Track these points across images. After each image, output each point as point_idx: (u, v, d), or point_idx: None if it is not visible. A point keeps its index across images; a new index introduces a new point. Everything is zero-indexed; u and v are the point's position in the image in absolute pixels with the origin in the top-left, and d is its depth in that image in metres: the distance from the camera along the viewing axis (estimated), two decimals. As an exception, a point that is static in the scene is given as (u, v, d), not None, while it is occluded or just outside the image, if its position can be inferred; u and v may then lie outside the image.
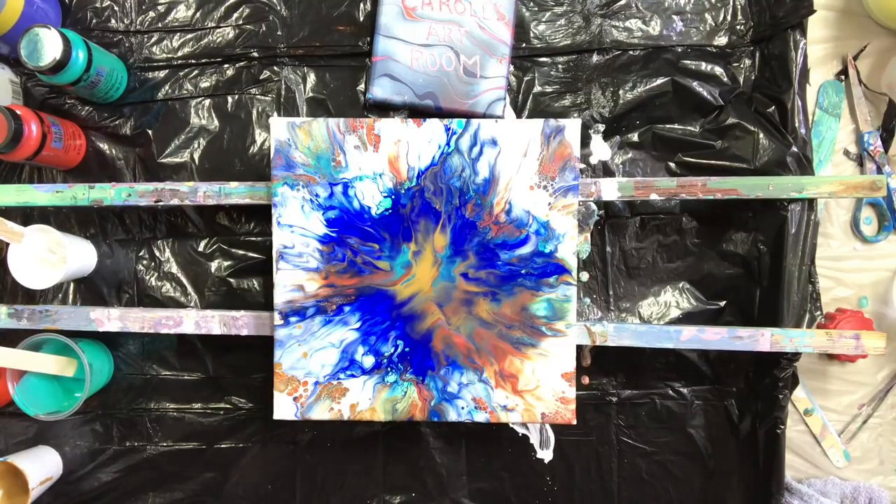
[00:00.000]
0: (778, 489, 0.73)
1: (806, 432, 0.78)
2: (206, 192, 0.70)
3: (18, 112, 0.67)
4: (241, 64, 0.77)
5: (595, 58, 0.77)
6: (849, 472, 0.78)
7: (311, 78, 0.77)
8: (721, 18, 0.77)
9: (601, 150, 0.76)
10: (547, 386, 0.67)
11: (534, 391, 0.67)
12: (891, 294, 0.76)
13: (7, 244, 0.71)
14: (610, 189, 0.69)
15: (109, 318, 0.70)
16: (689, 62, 0.76)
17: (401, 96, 0.75)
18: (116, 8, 0.77)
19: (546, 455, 0.77)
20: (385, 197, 0.66)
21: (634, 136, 0.76)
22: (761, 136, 0.73)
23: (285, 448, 0.77)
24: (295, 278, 0.66)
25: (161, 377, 0.77)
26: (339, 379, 0.67)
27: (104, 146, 0.77)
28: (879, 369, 0.78)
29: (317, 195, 0.66)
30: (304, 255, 0.66)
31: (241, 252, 0.77)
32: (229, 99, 0.77)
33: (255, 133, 0.77)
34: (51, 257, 0.70)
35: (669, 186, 0.69)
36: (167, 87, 0.77)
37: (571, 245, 0.66)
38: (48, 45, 0.65)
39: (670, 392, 0.76)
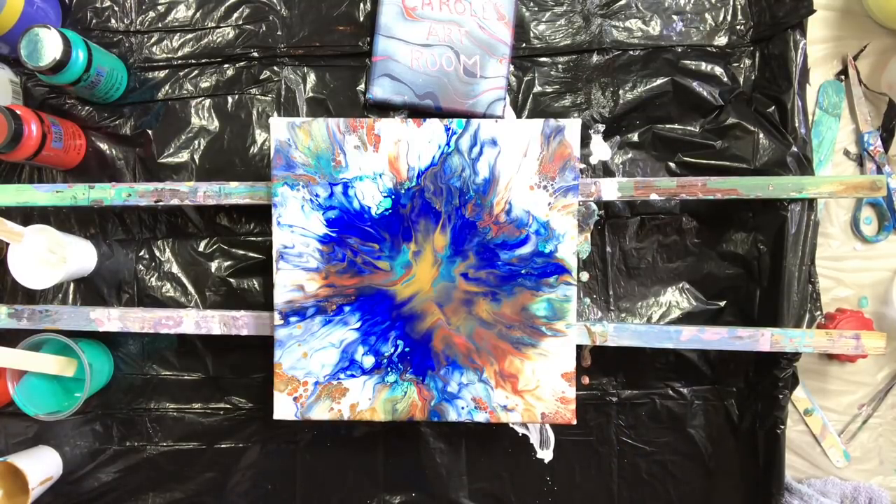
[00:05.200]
0: (778, 489, 0.73)
1: (806, 432, 0.78)
2: (206, 192, 0.70)
3: (18, 112, 0.67)
4: (241, 64, 0.77)
5: (595, 58, 0.77)
6: (849, 472, 0.78)
7: (311, 78, 0.77)
8: (721, 18, 0.77)
9: (601, 150, 0.76)
10: (547, 386, 0.67)
11: (534, 391, 0.67)
12: (891, 294, 0.76)
13: (7, 244, 0.71)
14: (610, 189, 0.69)
15: (109, 318, 0.70)
16: (689, 62, 0.76)
17: (401, 96, 0.75)
18: (116, 8, 0.77)
19: (546, 455, 0.77)
20: (385, 197, 0.66)
21: (634, 136, 0.76)
22: (761, 136, 0.73)
23: (285, 448, 0.77)
24: (295, 278, 0.66)
25: (161, 377, 0.77)
26: (339, 379, 0.67)
27: (104, 146, 0.77)
28: (879, 369, 0.78)
29: (317, 195, 0.66)
30: (304, 255, 0.66)
31: (241, 252, 0.77)
32: (229, 99, 0.77)
33: (255, 133, 0.77)
34: (51, 257, 0.70)
35: (669, 186, 0.69)
36: (167, 87, 0.77)
37: (571, 245, 0.66)
38: (48, 45, 0.65)
39: (670, 392, 0.76)
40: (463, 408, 0.67)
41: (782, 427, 0.72)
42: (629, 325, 0.70)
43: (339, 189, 0.66)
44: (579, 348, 0.74)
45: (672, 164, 0.76)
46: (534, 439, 0.76)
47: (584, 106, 0.76)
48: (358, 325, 0.67)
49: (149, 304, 0.77)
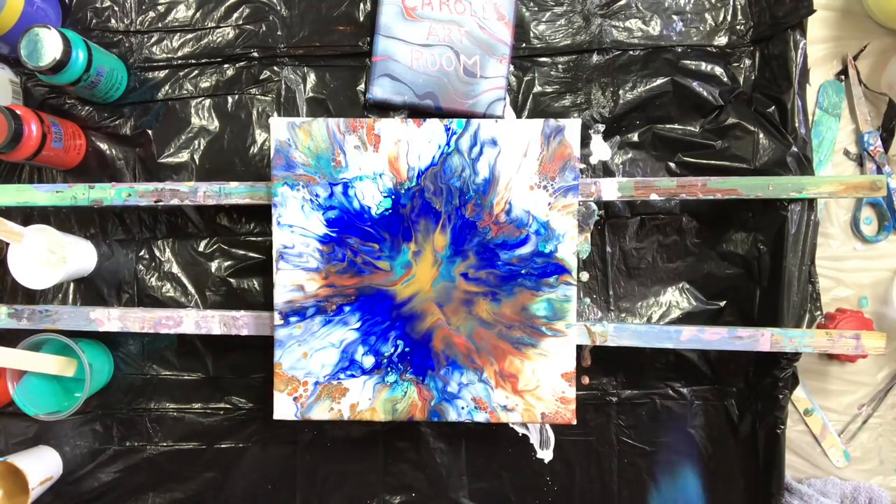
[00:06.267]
0: (778, 489, 0.73)
1: (806, 432, 0.78)
2: (206, 192, 0.70)
3: (18, 112, 0.67)
4: (241, 64, 0.77)
5: (595, 58, 0.77)
6: (849, 472, 0.78)
7: (311, 78, 0.77)
8: (721, 18, 0.77)
9: (601, 150, 0.76)
10: (547, 386, 0.67)
11: (534, 391, 0.67)
12: (891, 294, 0.76)
13: (7, 244, 0.71)
14: (610, 189, 0.69)
15: (109, 318, 0.70)
16: (689, 62, 0.76)
17: (401, 96, 0.75)
18: (116, 8, 0.77)
19: (546, 455, 0.77)
20: (385, 197, 0.66)
21: (634, 136, 0.76)
22: (761, 136, 0.73)
23: (285, 448, 0.77)
24: (295, 278, 0.66)
25: (161, 377, 0.77)
26: (339, 379, 0.67)
27: (104, 146, 0.77)
28: (879, 369, 0.78)
29: (317, 195, 0.66)
30: (304, 255, 0.66)
31: (241, 252, 0.77)
32: (229, 99, 0.77)
33: (255, 133, 0.77)
34: (51, 257, 0.70)
35: (669, 186, 0.69)
36: (167, 87, 0.77)
37: (571, 245, 0.66)
38: (48, 45, 0.65)
39: (670, 392, 0.76)
40: (463, 408, 0.67)
41: (782, 427, 0.72)
42: (629, 325, 0.70)
43: (339, 189, 0.66)
44: (579, 348, 0.74)
45: (672, 164, 0.76)
46: (534, 439, 0.76)
47: (584, 106, 0.76)
48: (358, 325, 0.67)
49: (149, 304, 0.77)
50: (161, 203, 0.70)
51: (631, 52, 0.77)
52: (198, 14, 0.77)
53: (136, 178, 0.77)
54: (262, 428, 0.77)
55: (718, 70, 0.76)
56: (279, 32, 0.77)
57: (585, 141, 0.76)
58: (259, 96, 0.77)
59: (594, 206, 0.74)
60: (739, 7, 0.77)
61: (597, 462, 0.76)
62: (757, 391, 0.74)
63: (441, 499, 0.77)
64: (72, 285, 0.78)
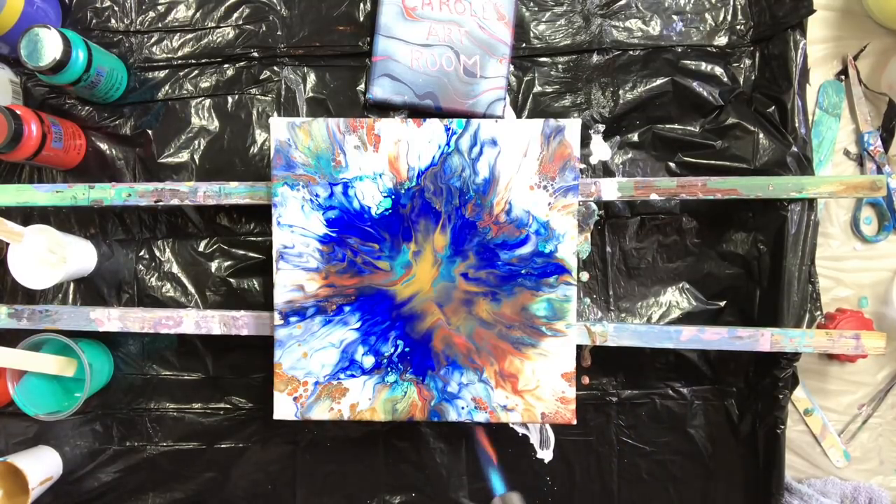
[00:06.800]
0: (778, 489, 0.73)
1: (806, 432, 0.78)
2: (206, 192, 0.70)
3: (18, 112, 0.67)
4: (241, 64, 0.77)
5: (595, 58, 0.77)
6: (849, 472, 0.78)
7: (311, 78, 0.77)
8: (721, 18, 0.77)
9: (601, 150, 0.76)
10: (547, 386, 0.67)
11: (534, 391, 0.67)
12: (891, 294, 0.76)
13: (7, 244, 0.71)
14: (610, 189, 0.69)
15: (109, 318, 0.70)
16: (689, 62, 0.76)
17: (401, 96, 0.75)
18: (116, 8, 0.77)
19: (546, 455, 0.77)
20: (385, 197, 0.66)
21: (634, 136, 0.76)
22: (761, 136, 0.73)
23: (285, 448, 0.77)
24: (295, 278, 0.66)
25: (161, 377, 0.77)
26: (339, 379, 0.67)
27: (104, 146, 0.77)
28: (879, 369, 0.78)
29: (317, 195, 0.66)
30: (304, 255, 0.66)
31: (241, 252, 0.77)
32: (229, 99, 0.77)
33: (255, 133, 0.77)
34: (51, 257, 0.70)
35: (669, 186, 0.69)
36: (167, 87, 0.77)
37: (571, 245, 0.66)
38: (48, 45, 0.65)
39: (670, 392, 0.76)
40: (463, 408, 0.67)
41: (782, 427, 0.72)
42: (629, 325, 0.70)
43: (339, 189, 0.66)
44: (579, 348, 0.74)
45: (672, 164, 0.76)
46: (534, 439, 0.76)
47: (584, 106, 0.76)
48: (358, 325, 0.67)
49: (149, 304, 0.77)
50: (161, 203, 0.70)
51: (631, 52, 0.77)
52: (198, 14, 0.77)
53: (136, 178, 0.77)
54: (262, 428, 0.77)
55: (718, 70, 0.76)
56: (279, 32, 0.77)
57: (585, 141, 0.76)
58: (259, 96, 0.77)
59: (594, 206, 0.74)
60: (739, 7, 0.77)
61: (597, 462, 0.76)
62: (757, 391, 0.74)
63: (441, 499, 0.77)
64: (72, 285, 0.78)
